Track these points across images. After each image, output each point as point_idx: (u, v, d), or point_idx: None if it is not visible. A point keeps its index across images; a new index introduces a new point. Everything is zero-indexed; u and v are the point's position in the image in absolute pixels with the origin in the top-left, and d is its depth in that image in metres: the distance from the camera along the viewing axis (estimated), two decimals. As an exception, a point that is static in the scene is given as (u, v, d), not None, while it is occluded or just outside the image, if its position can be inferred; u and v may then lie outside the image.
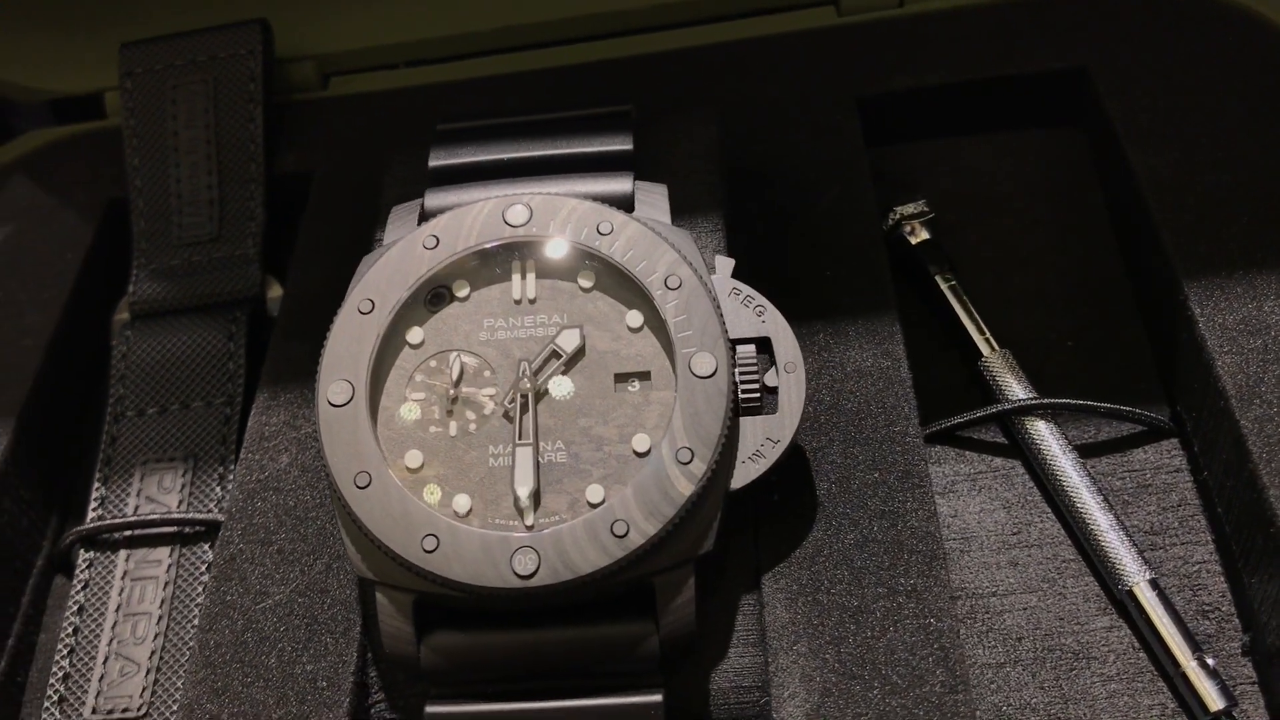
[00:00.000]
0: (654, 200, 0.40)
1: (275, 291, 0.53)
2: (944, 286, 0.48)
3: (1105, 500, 0.43)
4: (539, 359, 0.38)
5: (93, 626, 0.45)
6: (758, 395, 0.37)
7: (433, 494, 0.36)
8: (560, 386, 0.37)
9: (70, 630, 0.45)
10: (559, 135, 0.43)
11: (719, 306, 0.37)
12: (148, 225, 0.54)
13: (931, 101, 0.53)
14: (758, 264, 0.47)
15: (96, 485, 0.48)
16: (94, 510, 0.48)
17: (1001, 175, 0.53)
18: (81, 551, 0.47)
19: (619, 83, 0.55)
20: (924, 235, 0.50)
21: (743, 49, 0.56)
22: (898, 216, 0.50)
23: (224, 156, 0.54)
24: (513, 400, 0.37)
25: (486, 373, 0.38)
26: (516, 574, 0.35)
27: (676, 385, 0.36)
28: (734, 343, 0.38)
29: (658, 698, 0.36)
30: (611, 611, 0.36)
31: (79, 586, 0.46)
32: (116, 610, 0.45)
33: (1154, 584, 0.41)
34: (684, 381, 0.36)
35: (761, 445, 0.37)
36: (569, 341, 0.38)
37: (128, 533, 0.47)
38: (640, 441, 0.36)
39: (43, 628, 0.48)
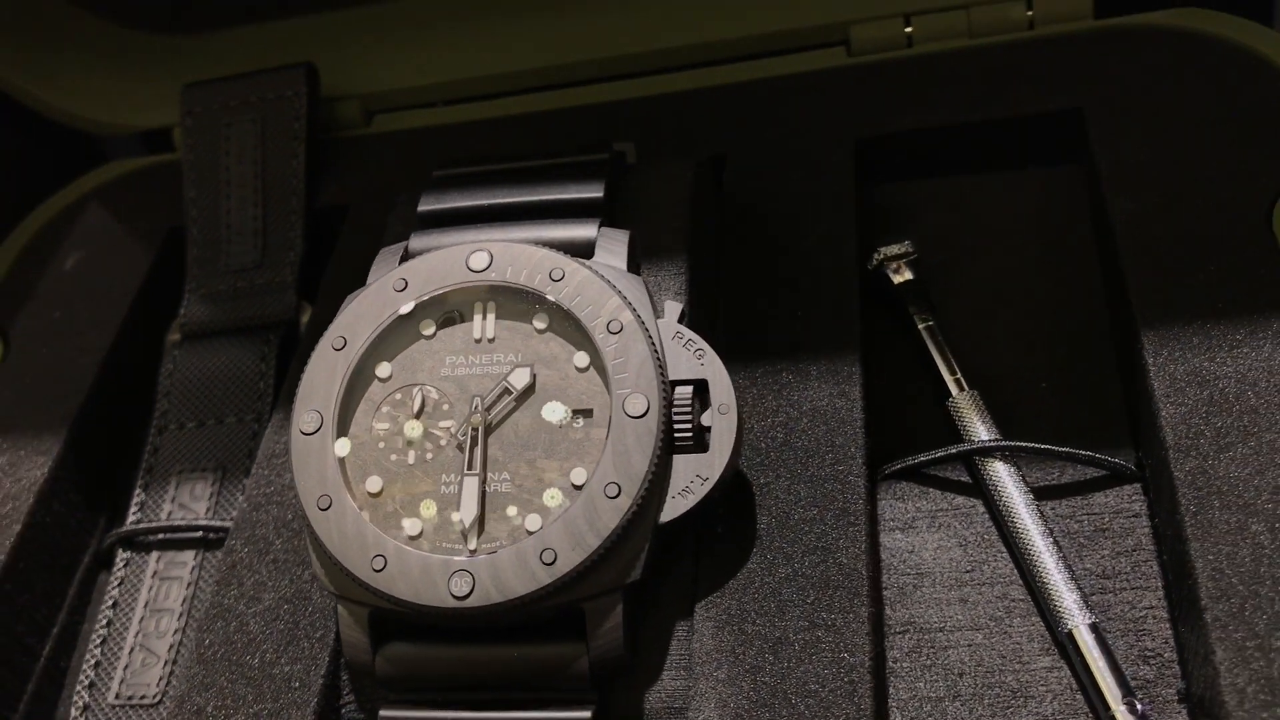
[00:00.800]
0: (613, 246, 0.43)
1: (307, 315, 0.57)
2: (920, 327, 0.50)
3: (1055, 543, 0.44)
4: (491, 395, 0.41)
5: (123, 620, 0.50)
6: (690, 434, 0.40)
7: (389, 518, 0.40)
8: (511, 422, 0.40)
9: (104, 623, 0.50)
10: (537, 182, 0.46)
11: (658, 350, 0.40)
12: (200, 253, 0.59)
13: (932, 141, 0.54)
14: (737, 300, 0.49)
15: (138, 491, 0.53)
16: (134, 514, 0.53)
17: (999, 214, 0.54)
18: (120, 551, 0.52)
19: (643, 121, 0.58)
20: (907, 275, 0.51)
21: (756, 88, 0.58)
22: (881, 257, 0.51)
23: (269, 190, 0.59)
24: (465, 433, 0.40)
25: (445, 406, 0.41)
26: (453, 595, 0.38)
27: (610, 424, 0.39)
28: (673, 384, 0.40)
29: (587, 714, 0.39)
30: (547, 633, 0.39)
31: (115, 583, 0.51)
32: (145, 606, 0.50)
33: (1094, 628, 0.42)
34: (616, 420, 0.39)
35: (691, 482, 0.39)
36: (519, 379, 0.41)
37: (160, 536, 0.52)
38: (578, 475, 0.39)
39: (86, 619, 0.53)
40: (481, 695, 0.39)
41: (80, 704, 0.48)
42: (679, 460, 0.39)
